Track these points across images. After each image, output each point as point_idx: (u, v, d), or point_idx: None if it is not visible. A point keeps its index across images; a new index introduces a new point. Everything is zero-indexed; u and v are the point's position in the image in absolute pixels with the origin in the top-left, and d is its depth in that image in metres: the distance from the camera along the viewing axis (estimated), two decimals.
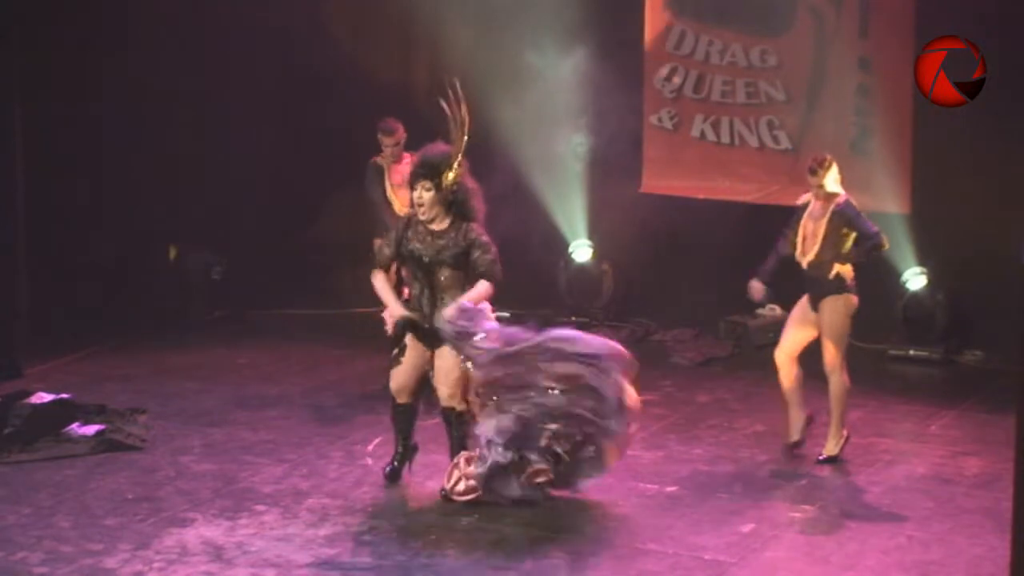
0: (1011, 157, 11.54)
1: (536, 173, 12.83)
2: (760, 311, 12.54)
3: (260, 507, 8.83)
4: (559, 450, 8.75)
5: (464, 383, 8.92)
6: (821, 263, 9.42)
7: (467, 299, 8.79)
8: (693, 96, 12.84)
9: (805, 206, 9.55)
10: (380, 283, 9.07)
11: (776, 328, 12.10)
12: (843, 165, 9.58)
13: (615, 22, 12.79)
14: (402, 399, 9.13)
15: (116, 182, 13.00)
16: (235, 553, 8.14)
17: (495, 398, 8.78)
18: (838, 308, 9.46)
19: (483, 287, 8.87)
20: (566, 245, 13.23)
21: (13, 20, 11.91)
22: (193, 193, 13.34)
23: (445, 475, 8.91)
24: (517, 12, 12.65)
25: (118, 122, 12.93)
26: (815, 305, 9.52)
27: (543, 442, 8.72)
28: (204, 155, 13.28)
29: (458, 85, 8.85)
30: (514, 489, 8.75)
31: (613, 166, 12.92)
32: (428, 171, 8.85)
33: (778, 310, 12.29)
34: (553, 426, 8.73)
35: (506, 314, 10.50)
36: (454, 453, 9.00)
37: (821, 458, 9.58)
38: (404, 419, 9.19)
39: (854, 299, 9.51)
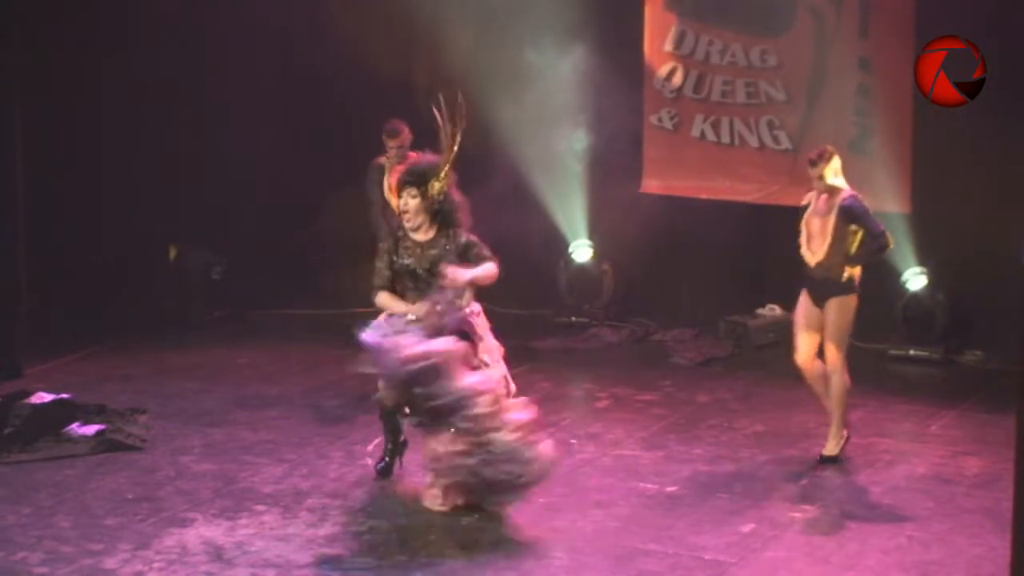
0: (1011, 157, 11.53)
1: (536, 173, 12.83)
2: (760, 311, 12.55)
3: (260, 507, 8.83)
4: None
5: None
6: (831, 264, 9.37)
7: (473, 274, 8.70)
8: (693, 96, 12.83)
9: (807, 206, 9.52)
10: (385, 299, 8.96)
11: (776, 328, 12.14)
12: (843, 165, 9.55)
13: (615, 22, 12.79)
14: (389, 404, 9.11)
15: (116, 182, 13.00)
16: (235, 553, 8.14)
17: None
18: (844, 308, 9.43)
19: (489, 265, 8.78)
20: (566, 245, 13.23)
21: (13, 20, 11.93)
22: (193, 193, 13.33)
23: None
24: (517, 12, 12.64)
25: (118, 122, 12.93)
26: (819, 303, 9.49)
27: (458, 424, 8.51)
28: (204, 155, 13.28)
29: (462, 100, 8.80)
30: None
31: (613, 166, 12.91)
32: (415, 179, 8.85)
33: (778, 310, 12.30)
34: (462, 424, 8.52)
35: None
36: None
37: (821, 458, 9.59)
38: (392, 419, 9.22)
39: (857, 299, 9.49)
